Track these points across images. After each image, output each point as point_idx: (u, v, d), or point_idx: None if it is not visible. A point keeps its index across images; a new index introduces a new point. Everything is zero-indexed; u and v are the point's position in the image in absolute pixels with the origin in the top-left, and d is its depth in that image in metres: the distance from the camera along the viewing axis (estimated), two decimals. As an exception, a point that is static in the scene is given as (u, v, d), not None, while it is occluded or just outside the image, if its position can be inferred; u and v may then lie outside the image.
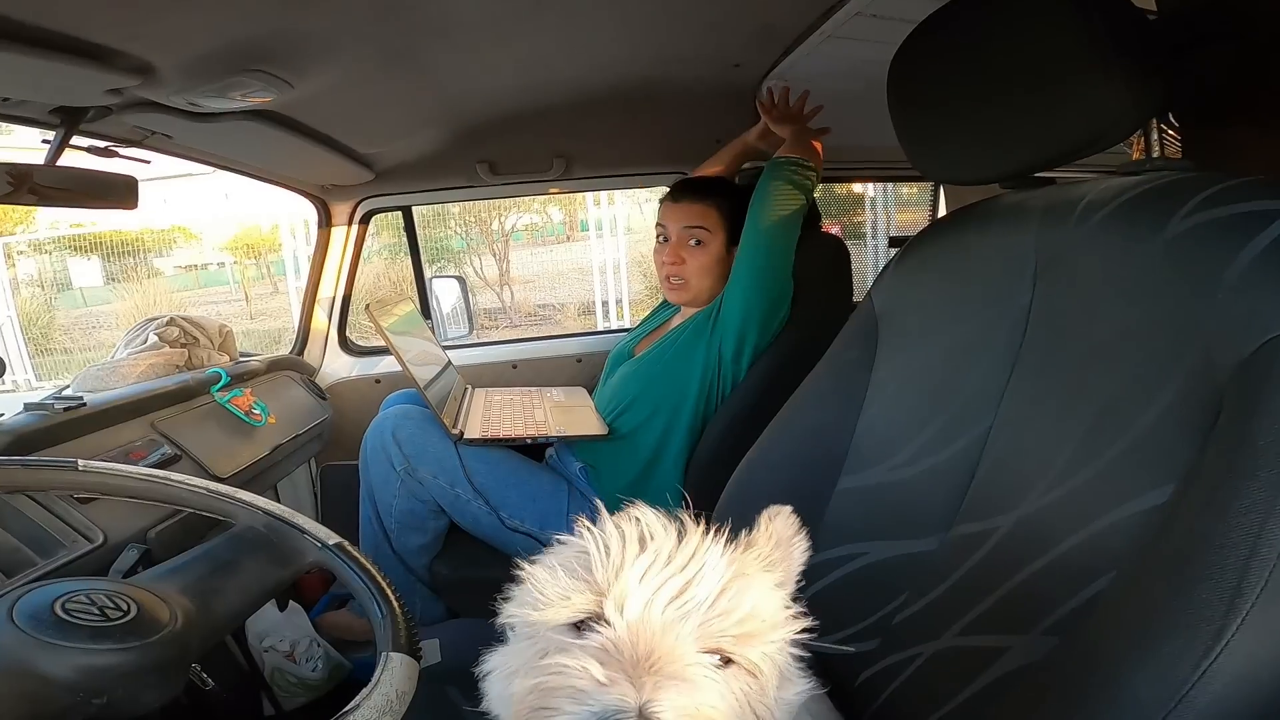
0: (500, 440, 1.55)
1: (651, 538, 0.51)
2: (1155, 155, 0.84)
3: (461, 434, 1.53)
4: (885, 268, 0.98)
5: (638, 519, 0.53)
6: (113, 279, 8.91)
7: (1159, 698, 0.44)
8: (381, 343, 2.22)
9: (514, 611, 0.54)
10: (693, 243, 1.61)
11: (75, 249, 9.05)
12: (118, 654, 0.58)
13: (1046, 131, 0.72)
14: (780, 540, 0.57)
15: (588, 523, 0.53)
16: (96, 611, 0.61)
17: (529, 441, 1.57)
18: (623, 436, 1.60)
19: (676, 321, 1.73)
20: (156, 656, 0.60)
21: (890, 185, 7.04)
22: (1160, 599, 0.47)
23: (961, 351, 0.80)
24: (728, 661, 0.49)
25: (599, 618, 0.49)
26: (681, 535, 0.52)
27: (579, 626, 0.50)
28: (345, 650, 1.57)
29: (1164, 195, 0.61)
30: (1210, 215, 0.56)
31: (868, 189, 7.43)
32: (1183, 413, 0.54)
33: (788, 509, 0.59)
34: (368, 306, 1.54)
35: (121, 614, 0.61)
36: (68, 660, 0.56)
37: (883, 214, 7.50)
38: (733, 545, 0.54)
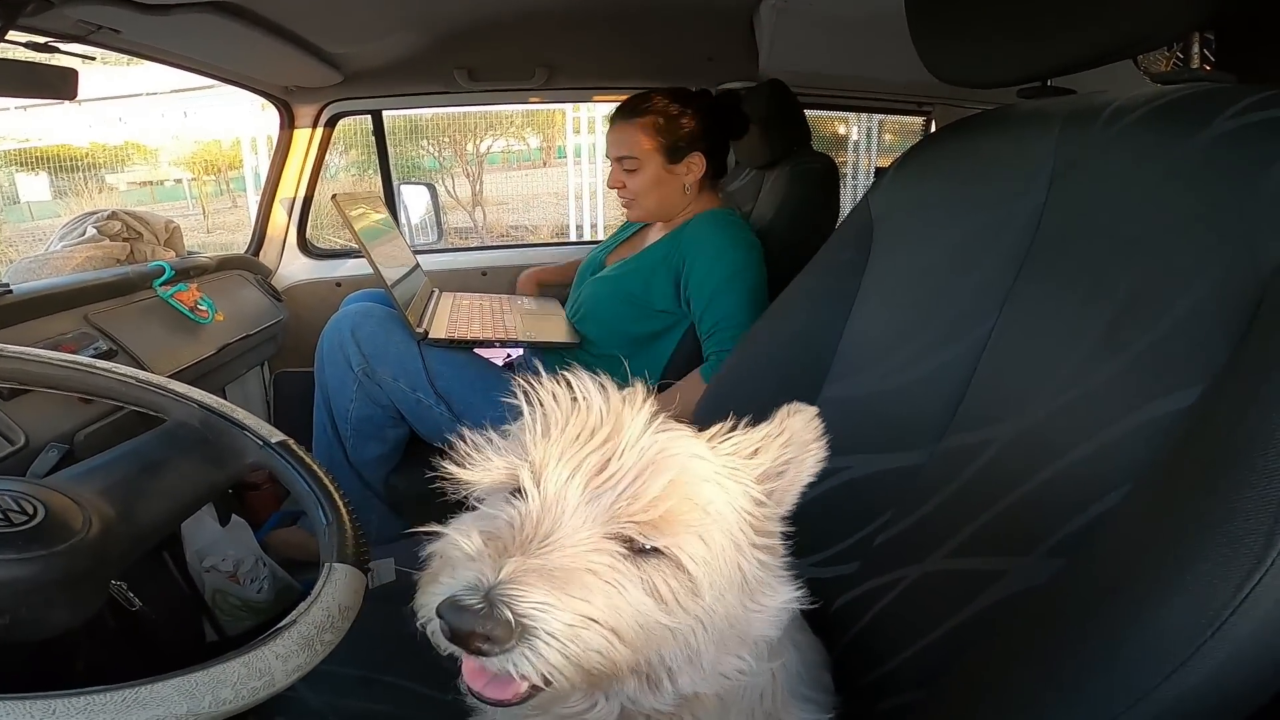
0: (466, 342, 1.49)
1: (586, 407, 0.47)
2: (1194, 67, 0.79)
3: (426, 333, 1.46)
4: (882, 173, 0.91)
5: (574, 385, 0.49)
6: (62, 194, 8.56)
7: (1193, 624, 0.38)
8: (342, 245, 2.15)
9: (444, 467, 0.50)
10: (627, 170, 1.56)
11: (21, 164, 8.69)
12: (19, 565, 0.51)
13: (1088, 22, 0.65)
14: (796, 442, 0.51)
15: (525, 385, 0.49)
16: (-2, 514, 0.53)
17: (497, 345, 1.52)
18: (594, 348, 1.56)
19: (652, 236, 1.67)
20: (66, 568, 0.53)
21: (874, 130, 7.01)
22: (1193, 511, 0.41)
23: (963, 252, 0.75)
24: (645, 550, 0.45)
25: (520, 490, 0.46)
26: (617, 407, 0.48)
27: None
28: (294, 571, 1.50)
29: (1207, 98, 0.57)
30: (1262, 116, 0.52)
31: (850, 132, 7.40)
32: (1217, 307, 0.49)
33: (812, 410, 0.52)
34: (334, 196, 1.46)
35: (26, 518, 0.53)
36: (-39, 573, 0.49)
37: (864, 156, 7.46)
38: (683, 427, 0.50)
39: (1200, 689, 0.38)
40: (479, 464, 0.49)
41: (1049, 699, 0.44)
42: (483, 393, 1.44)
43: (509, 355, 1.80)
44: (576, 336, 1.57)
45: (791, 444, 0.51)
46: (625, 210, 1.63)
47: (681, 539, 0.45)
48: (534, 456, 0.46)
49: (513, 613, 0.40)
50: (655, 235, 1.65)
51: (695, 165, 1.54)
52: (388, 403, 1.45)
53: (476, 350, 1.53)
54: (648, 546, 0.45)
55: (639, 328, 1.54)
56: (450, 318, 1.62)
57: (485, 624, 0.40)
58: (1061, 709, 0.43)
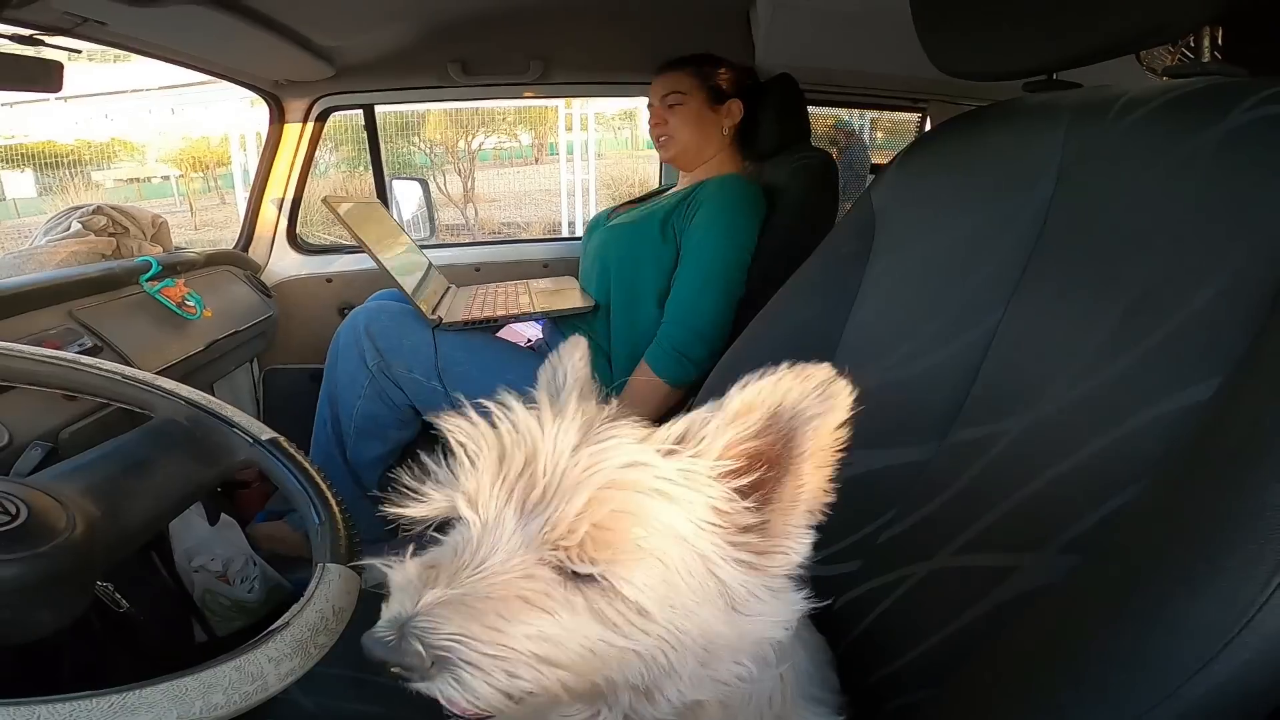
0: (480, 322, 1.48)
1: (509, 430, 0.45)
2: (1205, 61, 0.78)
3: (440, 320, 1.45)
4: (885, 167, 0.90)
5: (493, 410, 0.47)
6: (48, 191, 8.53)
7: (1222, 620, 0.37)
8: (334, 241, 2.12)
9: (385, 507, 0.49)
10: (670, 105, 1.61)
11: (6, 160, 8.73)
12: (1, 566, 0.49)
13: (1100, 14, 0.65)
14: (793, 412, 0.44)
15: (453, 414, 0.47)
16: (-21, 515, 0.51)
17: (510, 321, 1.52)
18: (611, 311, 1.54)
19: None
20: (49, 569, 0.51)
21: (866, 127, 7.07)
22: (1218, 506, 0.40)
23: (967, 245, 0.74)
24: (584, 575, 0.42)
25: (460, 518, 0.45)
26: (535, 426, 0.45)
27: None
28: (283, 568, 1.48)
29: (1221, 92, 0.56)
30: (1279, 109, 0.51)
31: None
32: (1235, 300, 0.48)
33: (825, 366, 0.44)
34: (325, 199, 1.46)
35: (8, 518, 0.52)
36: (-58, 574, 0.47)
37: (858, 154, 7.47)
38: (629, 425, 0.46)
39: (1227, 686, 0.38)
40: (419, 498, 0.48)
41: (1071, 697, 0.43)
42: (498, 374, 1.39)
43: (529, 340, 1.79)
44: (591, 300, 1.57)
45: (781, 417, 0.44)
46: (661, 150, 1.67)
47: (616, 563, 0.42)
48: (466, 486, 0.45)
49: (424, 645, 0.40)
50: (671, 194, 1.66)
51: (734, 111, 1.62)
52: (399, 403, 1.44)
53: (499, 335, 1.54)
54: (601, 575, 0.42)
55: (652, 274, 1.52)
56: (466, 306, 1.62)
57: (394, 655, 0.40)
58: (1084, 707, 0.42)
